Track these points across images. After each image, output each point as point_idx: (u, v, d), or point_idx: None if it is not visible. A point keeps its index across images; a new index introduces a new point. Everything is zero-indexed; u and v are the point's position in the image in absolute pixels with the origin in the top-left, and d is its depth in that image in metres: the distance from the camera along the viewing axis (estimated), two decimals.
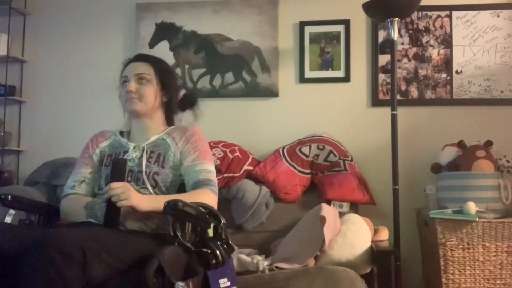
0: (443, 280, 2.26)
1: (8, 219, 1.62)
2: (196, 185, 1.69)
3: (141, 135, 1.81)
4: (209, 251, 1.38)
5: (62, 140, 3.03)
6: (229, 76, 2.95)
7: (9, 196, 1.59)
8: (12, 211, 1.64)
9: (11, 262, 1.24)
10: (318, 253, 2.11)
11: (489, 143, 2.45)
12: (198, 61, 2.97)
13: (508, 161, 2.44)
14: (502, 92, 2.79)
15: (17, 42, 3.12)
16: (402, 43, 2.86)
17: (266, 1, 2.93)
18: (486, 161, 2.38)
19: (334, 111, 2.88)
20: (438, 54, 2.84)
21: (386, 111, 2.62)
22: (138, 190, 1.63)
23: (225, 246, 1.42)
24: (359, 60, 2.89)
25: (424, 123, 2.82)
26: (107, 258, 1.25)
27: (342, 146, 2.69)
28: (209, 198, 1.65)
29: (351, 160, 2.65)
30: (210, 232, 1.46)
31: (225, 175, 2.54)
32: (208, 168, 1.74)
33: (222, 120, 2.93)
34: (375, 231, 2.35)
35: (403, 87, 2.84)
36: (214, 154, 2.55)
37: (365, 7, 2.53)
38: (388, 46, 2.82)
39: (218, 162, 2.53)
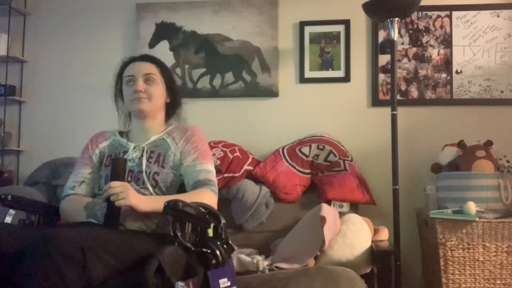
0: (443, 280, 2.26)
1: (8, 219, 1.62)
2: (196, 185, 1.69)
3: (141, 135, 1.81)
4: (209, 251, 1.38)
5: (62, 140, 3.03)
6: (229, 76, 2.95)
7: (9, 196, 1.59)
8: (12, 211, 1.64)
9: (11, 262, 1.24)
10: (318, 253, 2.11)
11: (489, 143, 2.45)
12: (198, 61, 2.97)
13: (508, 161, 2.44)
14: (502, 92, 2.79)
15: (17, 42, 3.12)
16: (402, 43, 2.86)
17: (266, 1, 2.93)
18: (486, 161, 2.38)
19: (334, 111, 2.88)
20: (438, 54, 2.84)
21: (386, 111, 2.63)
22: (138, 190, 1.63)
23: (225, 246, 1.42)
24: (359, 60, 2.89)
25: (424, 123, 2.82)
26: (107, 258, 1.25)
27: (342, 146, 2.69)
28: (209, 198, 1.65)
29: (351, 160, 2.65)
30: (210, 232, 1.46)
31: (225, 175, 2.54)
32: (208, 168, 1.74)
33: (222, 120, 2.93)
34: (375, 231, 2.35)
35: (403, 87, 2.85)
36: (214, 154, 2.55)
37: (365, 7, 2.53)
38: (388, 46, 2.82)
39: (218, 162, 2.53)
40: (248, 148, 2.76)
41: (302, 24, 2.93)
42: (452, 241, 2.25)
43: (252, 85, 2.92)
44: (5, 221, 1.61)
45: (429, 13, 2.85)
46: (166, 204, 1.32)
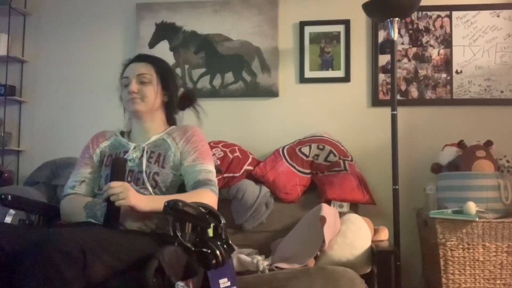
0: (443, 280, 2.26)
1: (8, 219, 1.62)
2: (196, 185, 1.69)
3: (141, 135, 1.81)
4: (209, 251, 1.38)
5: (62, 140, 3.03)
6: (229, 76, 2.95)
7: (9, 196, 1.59)
8: (12, 211, 1.64)
9: (11, 262, 1.24)
10: (318, 253, 2.11)
11: (489, 143, 2.45)
12: (198, 61, 2.97)
13: (508, 161, 2.44)
14: (502, 92, 2.79)
15: (17, 42, 3.12)
16: (402, 43, 2.86)
17: (266, 1, 2.93)
18: (486, 161, 2.38)
19: (334, 111, 2.88)
20: (438, 54, 2.84)
21: (386, 111, 2.62)
22: (138, 190, 1.63)
23: (225, 246, 1.42)
24: (359, 60, 2.89)
25: (424, 123, 2.82)
26: (107, 258, 1.25)
27: (342, 146, 2.69)
28: (209, 198, 1.65)
29: (351, 160, 2.65)
30: (210, 232, 1.46)
31: (225, 175, 2.54)
32: (208, 168, 1.74)
33: (222, 120, 2.93)
34: (375, 231, 2.35)
35: (403, 87, 2.85)
36: (214, 154, 2.55)
37: (365, 7, 2.53)
38: (388, 46, 2.82)
39: (218, 162, 2.53)
40: (248, 148, 2.76)
41: (302, 24, 2.93)
42: (452, 241, 2.25)
43: (252, 85, 2.92)
44: (5, 221, 1.60)
45: (429, 13, 2.85)
46: (166, 204, 1.32)
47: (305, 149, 2.64)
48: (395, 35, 2.52)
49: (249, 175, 2.62)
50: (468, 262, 2.26)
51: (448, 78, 2.83)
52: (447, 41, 2.84)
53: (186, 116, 1.98)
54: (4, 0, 2.98)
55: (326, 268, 1.96)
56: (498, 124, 2.76)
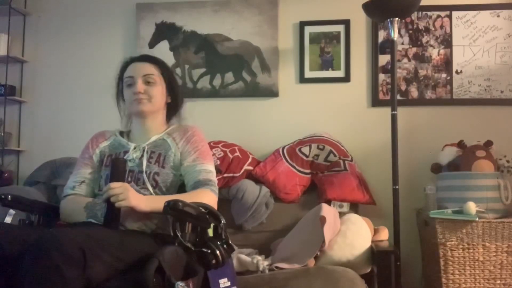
0: (443, 280, 2.26)
1: (8, 219, 1.62)
2: (196, 185, 1.69)
3: (142, 135, 1.81)
4: (209, 251, 1.38)
5: (62, 140, 3.03)
6: (229, 76, 2.95)
7: (9, 196, 1.59)
8: (12, 211, 1.64)
9: (11, 262, 1.24)
10: (318, 253, 2.11)
11: (489, 143, 2.45)
12: (198, 61, 2.97)
13: (508, 161, 2.44)
14: (502, 92, 2.79)
15: (17, 42, 3.12)
16: (402, 43, 2.86)
17: (266, 1, 2.93)
18: (486, 161, 2.38)
19: (334, 111, 2.88)
20: (438, 54, 2.84)
21: (386, 111, 2.62)
22: (138, 190, 1.63)
23: (225, 246, 1.42)
24: (359, 60, 2.89)
25: (424, 123, 2.82)
26: (107, 258, 1.25)
27: (342, 146, 2.69)
28: (209, 198, 1.65)
29: (351, 160, 2.65)
30: (210, 232, 1.46)
31: (225, 175, 2.54)
32: (208, 168, 1.75)
33: (222, 120, 2.93)
34: (375, 231, 2.35)
35: (403, 87, 2.84)
36: (214, 154, 2.55)
37: (365, 7, 2.53)
38: (388, 46, 2.82)
39: (218, 162, 2.53)
40: (248, 148, 2.76)
41: (302, 24, 2.93)
42: (452, 241, 2.25)
43: (252, 85, 2.92)
44: (5, 221, 1.61)
45: (429, 13, 2.85)
46: (166, 204, 1.32)
47: (305, 149, 2.64)
48: (395, 35, 2.52)
49: (249, 175, 2.62)
50: (468, 262, 2.26)
51: (448, 78, 2.83)
52: (447, 41, 2.84)
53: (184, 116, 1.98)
54: (4, 0, 2.98)
55: (326, 268, 1.96)
56: (498, 124, 2.76)
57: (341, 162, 2.61)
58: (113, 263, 1.27)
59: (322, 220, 2.08)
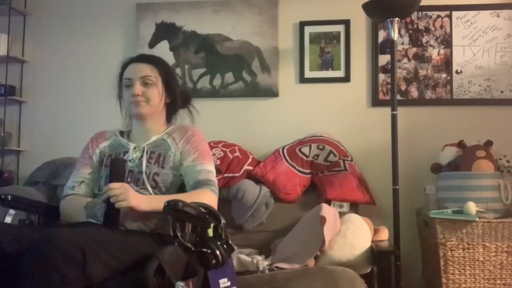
0: (443, 280, 2.26)
1: (8, 219, 1.62)
2: (196, 185, 1.69)
3: (141, 136, 1.81)
4: (209, 251, 1.38)
5: (62, 140, 3.03)
6: (229, 76, 2.95)
7: (9, 196, 1.59)
8: (12, 211, 1.64)
9: (11, 262, 1.24)
10: (318, 253, 2.11)
11: (489, 143, 2.45)
12: (198, 61, 2.97)
13: (508, 161, 2.44)
14: (502, 92, 2.79)
15: (17, 42, 3.12)
16: (402, 43, 2.86)
17: (266, 1, 2.93)
18: (486, 161, 2.38)
19: (334, 111, 2.88)
20: (438, 54, 2.84)
21: (386, 111, 2.62)
22: (138, 190, 1.63)
23: (225, 246, 1.42)
24: (359, 60, 2.89)
25: (424, 123, 2.82)
26: (107, 258, 1.25)
27: (342, 146, 2.69)
28: (209, 198, 1.65)
29: (351, 160, 2.65)
30: (210, 232, 1.46)
31: (225, 175, 2.54)
32: (208, 168, 1.74)
33: (222, 120, 2.93)
34: (375, 231, 2.35)
35: (403, 87, 2.84)
36: (214, 154, 2.55)
37: (365, 7, 2.53)
38: (388, 46, 2.82)
39: (218, 162, 2.53)
40: (248, 148, 2.76)
41: (302, 24, 2.93)
42: (452, 241, 2.25)
43: (252, 85, 2.92)
44: (5, 221, 1.61)
45: (429, 13, 2.85)
46: (166, 204, 1.32)
47: (305, 149, 2.64)
48: (395, 35, 2.52)
49: (249, 175, 2.62)
50: (468, 262, 2.26)
51: (448, 78, 2.83)
52: (447, 41, 2.84)
53: (182, 116, 1.97)
54: (4, 0, 2.98)
55: (326, 268, 1.96)
56: (498, 124, 2.76)
57: (341, 162, 2.61)
58: (113, 263, 1.27)
59: (322, 220, 2.08)
